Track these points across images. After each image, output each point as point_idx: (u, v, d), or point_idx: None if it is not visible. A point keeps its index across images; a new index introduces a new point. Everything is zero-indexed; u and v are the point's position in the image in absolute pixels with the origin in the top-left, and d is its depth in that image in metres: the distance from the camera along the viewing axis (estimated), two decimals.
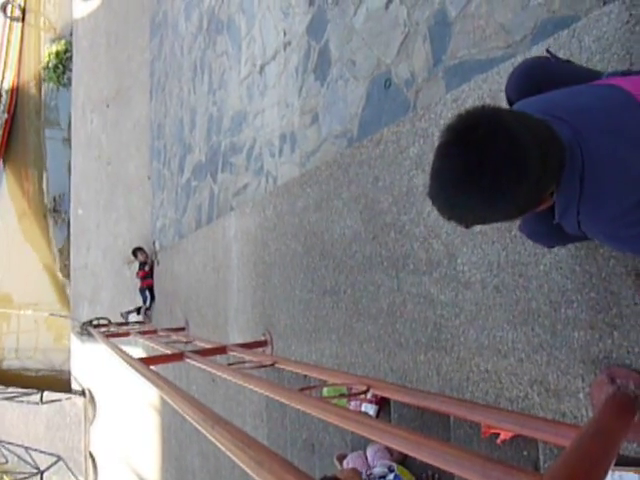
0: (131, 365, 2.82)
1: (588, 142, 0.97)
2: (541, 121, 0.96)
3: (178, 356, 3.14)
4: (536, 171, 0.90)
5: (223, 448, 1.20)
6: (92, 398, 9.66)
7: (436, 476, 2.36)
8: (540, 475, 0.84)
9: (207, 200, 6.01)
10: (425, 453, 1.08)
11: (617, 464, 1.58)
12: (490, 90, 1.86)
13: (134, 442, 8.45)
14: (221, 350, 3.45)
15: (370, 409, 2.79)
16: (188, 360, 3.01)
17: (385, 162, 2.46)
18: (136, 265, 8.10)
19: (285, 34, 4.25)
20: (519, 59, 1.76)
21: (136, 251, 8.00)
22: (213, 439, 1.28)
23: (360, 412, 2.59)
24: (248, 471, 1.04)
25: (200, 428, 1.39)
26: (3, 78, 11.82)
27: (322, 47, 3.70)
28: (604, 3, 1.64)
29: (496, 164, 0.88)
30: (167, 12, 7.75)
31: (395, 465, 2.46)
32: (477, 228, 1.91)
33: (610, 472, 1.59)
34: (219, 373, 2.53)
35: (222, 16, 5.65)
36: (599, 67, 1.48)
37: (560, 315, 1.59)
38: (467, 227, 1.04)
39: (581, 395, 1.55)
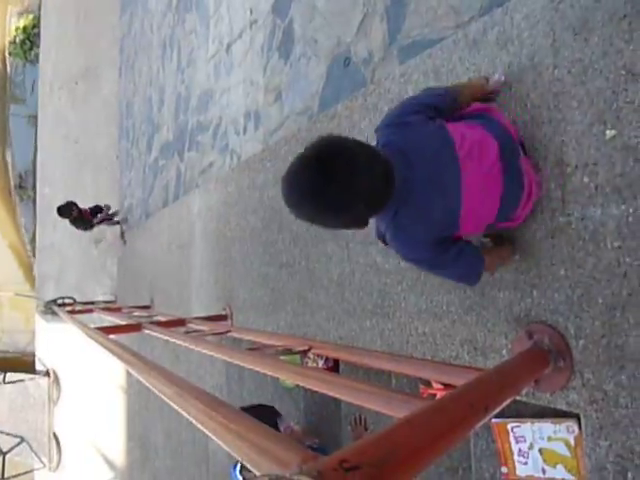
0: (89, 335, 2.85)
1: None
2: (380, 155, 1.18)
3: (136, 327, 3.17)
4: (365, 195, 1.13)
5: (155, 390, 1.27)
6: (56, 379, 9.58)
7: (362, 416, 2.51)
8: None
9: (174, 179, 6.00)
10: (339, 390, 1.17)
11: (535, 416, 1.70)
12: (434, 65, 1.94)
13: (99, 423, 8.43)
14: (180, 322, 3.48)
15: None
16: (146, 330, 3.05)
17: None
18: (106, 241, 8.01)
19: (252, 12, 4.26)
20: (460, 36, 1.84)
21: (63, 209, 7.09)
22: (149, 384, 1.34)
23: (308, 367, 2.68)
24: (169, 402, 1.11)
25: (139, 376, 1.45)
26: None
27: (287, 26, 3.73)
28: None
29: (340, 182, 1.07)
30: None
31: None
32: None
33: (529, 424, 1.71)
34: (175, 340, 2.58)
35: None
36: (527, 43, 1.57)
37: (488, 277, 1.69)
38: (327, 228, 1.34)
39: (504, 351, 1.66)
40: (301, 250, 2.85)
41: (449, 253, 1.32)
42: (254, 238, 3.44)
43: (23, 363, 10.66)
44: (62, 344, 9.43)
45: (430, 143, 1.28)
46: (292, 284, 2.95)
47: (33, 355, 10.28)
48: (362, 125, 2.36)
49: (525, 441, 1.72)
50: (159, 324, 3.28)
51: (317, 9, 3.35)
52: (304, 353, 2.80)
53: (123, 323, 3.75)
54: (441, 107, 1.39)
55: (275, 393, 3.37)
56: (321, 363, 2.83)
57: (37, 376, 9.81)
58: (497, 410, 1.01)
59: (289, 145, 3.01)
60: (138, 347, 6.73)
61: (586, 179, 1.42)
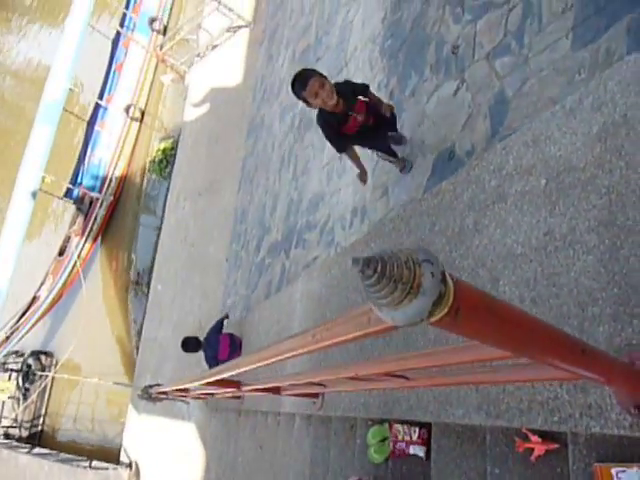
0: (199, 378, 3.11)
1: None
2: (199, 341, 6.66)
3: (236, 384, 3.38)
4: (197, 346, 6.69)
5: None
6: (137, 471, 9.65)
7: None
8: None
9: (278, 274, 6.44)
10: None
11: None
12: (533, 135, 2.19)
13: None
14: (275, 390, 3.64)
15: (419, 450, 2.80)
16: (244, 388, 3.25)
17: (442, 209, 2.78)
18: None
19: None
20: (557, 108, 2.10)
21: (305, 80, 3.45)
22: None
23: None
24: None
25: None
26: (116, 166, 13.54)
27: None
28: (627, 53, 1.98)
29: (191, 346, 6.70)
30: (264, 116, 8.84)
31: None
32: (518, 250, 2.15)
33: (636, 469, 1.65)
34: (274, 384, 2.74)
35: (312, 115, 6.46)
36: (620, 103, 1.79)
37: (587, 314, 1.76)
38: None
39: (606, 386, 1.67)
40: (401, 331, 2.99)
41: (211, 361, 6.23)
42: None
43: (109, 453, 10.90)
44: (148, 438, 9.64)
45: (215, 341, 6.42)
46: (387, 350, 3.05)
47: (119, 446, 10.52)
48: (465, 197, 2.60)
49: None
50: (256, 385, 3.45)
51: (426, 115, 3.80)
52: (390, 426, 2.86)
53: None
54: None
55: (362, 470, 3.31)
56: (414, 436, 2.81)
57: (120, 467, 9.95)
58: (591, 374, 1.09)
59: (393, 223, 3.29)
60: (222, 442, 6.79)
61: None
